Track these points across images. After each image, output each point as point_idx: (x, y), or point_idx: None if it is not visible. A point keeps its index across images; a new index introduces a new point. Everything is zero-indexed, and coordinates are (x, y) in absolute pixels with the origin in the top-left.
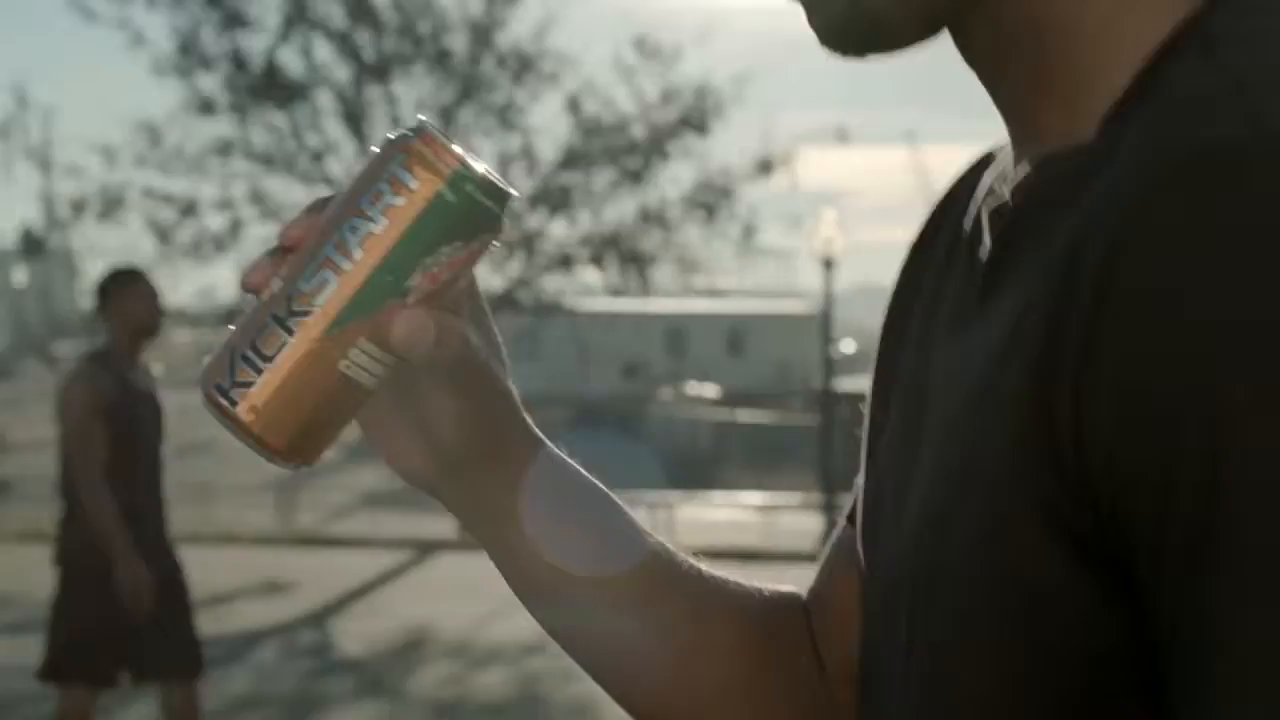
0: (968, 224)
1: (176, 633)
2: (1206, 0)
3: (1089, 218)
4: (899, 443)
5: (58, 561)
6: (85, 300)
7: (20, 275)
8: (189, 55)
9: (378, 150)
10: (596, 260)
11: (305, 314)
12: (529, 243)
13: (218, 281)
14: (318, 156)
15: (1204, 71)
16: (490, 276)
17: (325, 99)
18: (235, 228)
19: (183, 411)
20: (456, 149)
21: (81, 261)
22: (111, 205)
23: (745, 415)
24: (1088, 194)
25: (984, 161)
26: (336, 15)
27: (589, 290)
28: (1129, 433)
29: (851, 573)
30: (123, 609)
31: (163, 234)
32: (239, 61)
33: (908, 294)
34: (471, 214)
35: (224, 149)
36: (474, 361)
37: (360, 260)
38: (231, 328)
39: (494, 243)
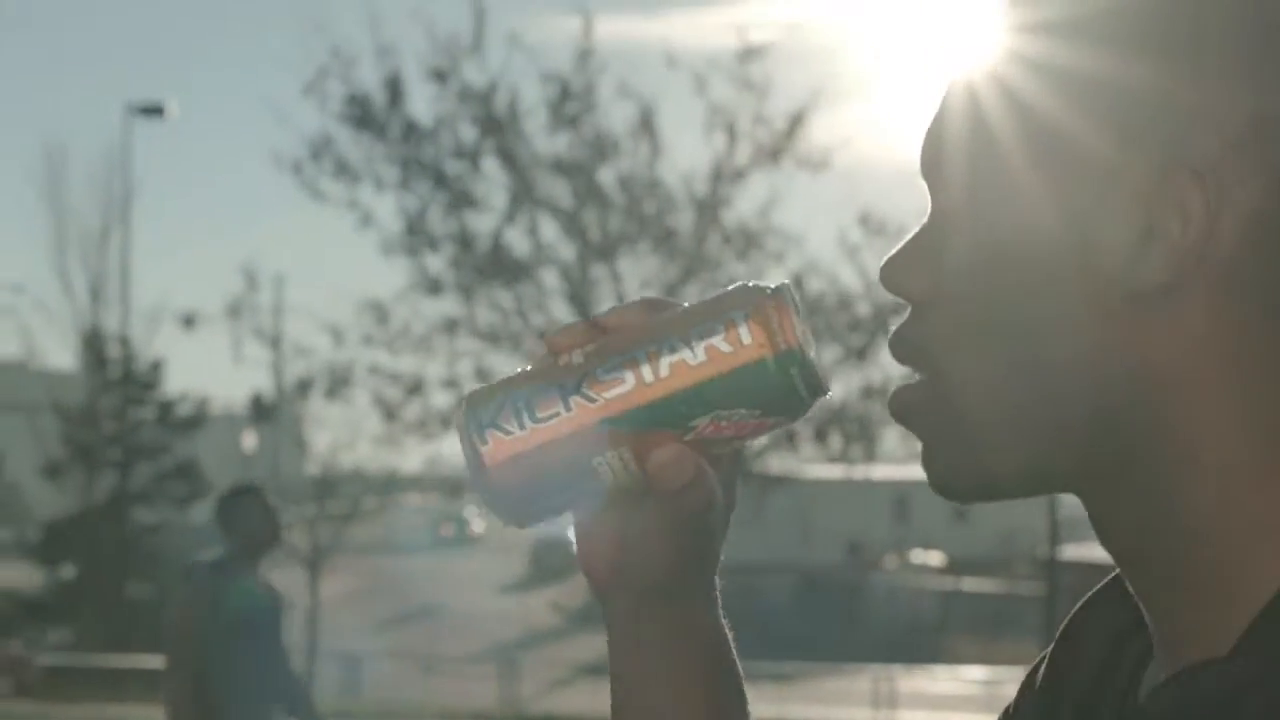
0: (1106, 697)
1: None
2: None
3: None
4: None
5: None
6: (314, 468)
7: (250, 441)
8: (417, 235)
9: (732, 290)
10: (820, 436)
11: (589, 399)
12: None
13: (445, 450)
14: (543, 335)
15: None
16: None
17: (550, 278)
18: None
19: (407, 577)
20: (800, 328)
21: (310, 431)
22: (338, 383)
23: (970, 584)
24: None
25: (1110, 591)
26: (563, 195)
27: (813, 458)
28: None
29: None
30: None
31: (389, 411)
32: (466, 241)
33: None
34: (783, 393)
35: (450, 327)
36: (705, 517)
37: (663, 379)
38: (519, 369)
39: (788, 427)
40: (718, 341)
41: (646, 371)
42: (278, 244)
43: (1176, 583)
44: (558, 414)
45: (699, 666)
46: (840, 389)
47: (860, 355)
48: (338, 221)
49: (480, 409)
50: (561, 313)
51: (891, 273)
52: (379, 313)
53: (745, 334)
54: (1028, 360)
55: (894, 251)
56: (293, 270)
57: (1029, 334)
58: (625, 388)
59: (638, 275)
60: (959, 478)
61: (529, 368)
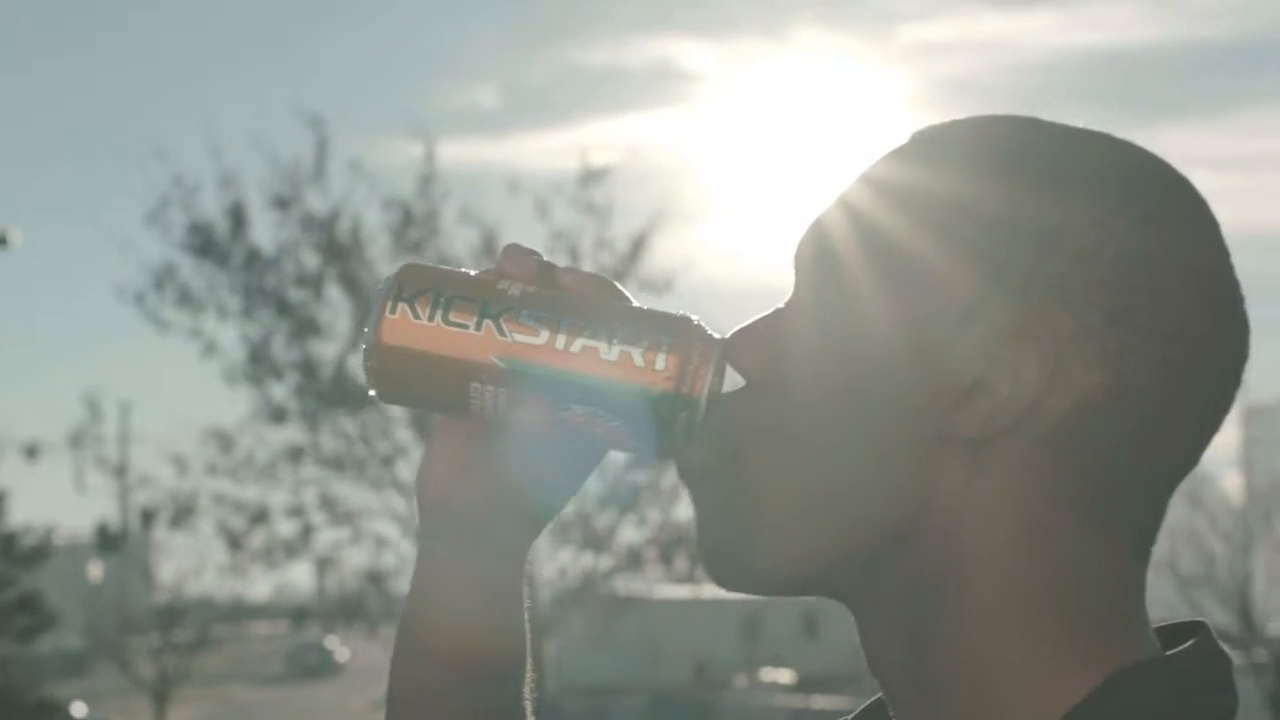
0: None
1: None
2: (1123, 673)
3: None
4: None
5: None
6: (161, 597)
7: (96, 571)
8: (260, 363)
9: (677, 317)
10: (666, 557)
11: (500, 331)
12: (599, 542)
13: (295, 577)
14: (387, 461)
15: None
16: (563, 577)
17: None
18: (306, 533)
19: (263, 707)
20: (711, 383)
21: (156, 560)
22: (183, 513)
23: (820, 701)
24: None
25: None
26: None
27: (660, 578)
28: None
29: None
30: None
31: (234, 540)
32: (309, 369)
33: None
34: (660, 429)
35: (294, 455)
36: (529, 490)
37: (570, 354)
38: (464, 270)
39: (643, 457)
40: (634, 352)
41: (561, 339)
42: (121, 373)
43: (937, 714)
44: (466, 327)
45: (489, 611)
46: (686, 509)
47: None
48: (181, 350)
49: (409, 282)
50: (406, 439)
51: (735, 344)
52: (223, 441)
53: (661, 360)
54: (831, 468)
55: (745, 324)
56: (137, 399)
57: (841, 443)
58: (535, 340)
59: None
60: (729, 563)
61: (472, 273)
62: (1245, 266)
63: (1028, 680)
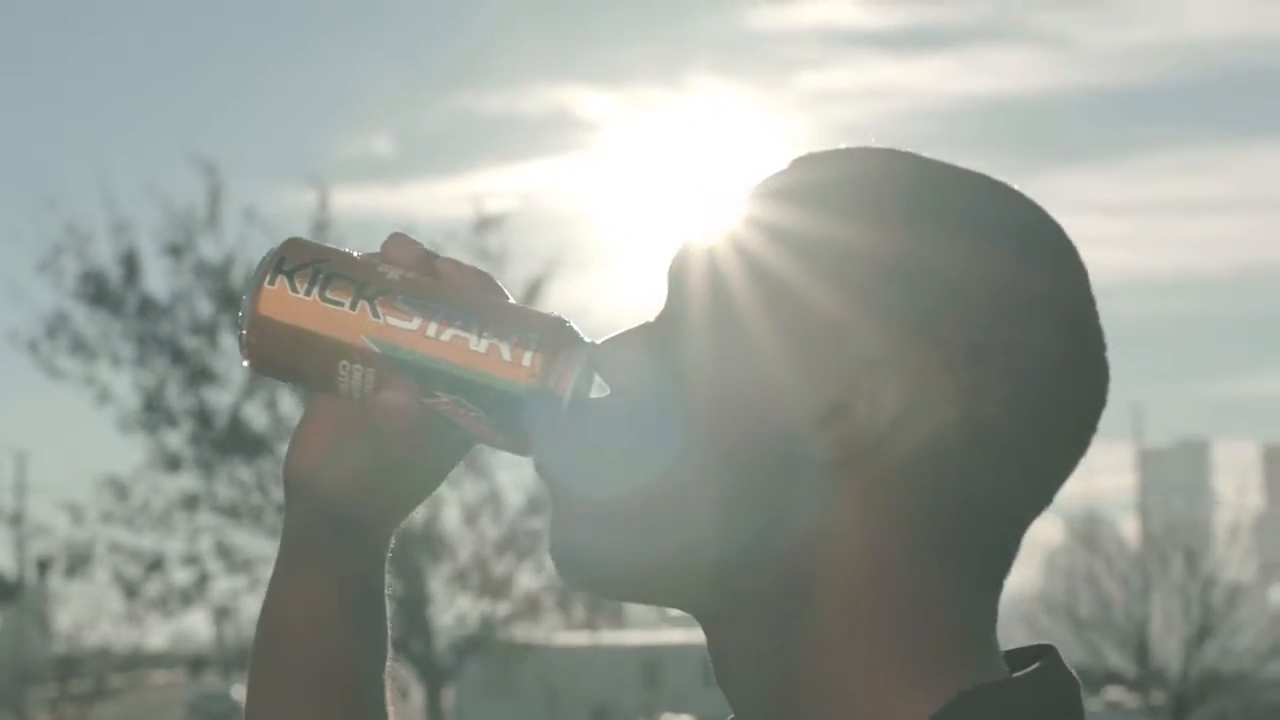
0: None
1: None
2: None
3: None
4: None
5: None
6: (58, 646)
7: None
8: (155, 411)
9: (549, 317)
10: (563, 605)
11: (374, 313)
12: (497, 589)
13: (192, 625)
14: (283, 509)
15: None
16: (460, 624)
17: None
18: (202, 581)
19: None
20: (575, 384)
21: (53, 610)
22: (78, 562)
23: None
24: None
25: None
26: None
27: (560, 625)
28: None
29: None
30: None
31: (129, 589)
32: (204, 417)
33: None
34: (520, 424)
35: (190, 503)
36: (404, 471)
37: (440, 342)
38: (348, 250)
39: (504, 450)
40: (503, 347)
41: (433, 327)
42: (16, 422)
43: None
44: (342, 305)
45: (345, 594)
46: None
47: None
48: (76, 398)
49: (291, 255)
50: None
51: (604, 351)
52: (118, 489)
53: (528, 357)
54: (691, 480)
55: (616, 333)
56: (33, 448)
57: (703, 457)
58: (408, 325)
59: None
60: (579, 563)
61: (355, 254)
62: (1136, 310)
63: (870, 703)
